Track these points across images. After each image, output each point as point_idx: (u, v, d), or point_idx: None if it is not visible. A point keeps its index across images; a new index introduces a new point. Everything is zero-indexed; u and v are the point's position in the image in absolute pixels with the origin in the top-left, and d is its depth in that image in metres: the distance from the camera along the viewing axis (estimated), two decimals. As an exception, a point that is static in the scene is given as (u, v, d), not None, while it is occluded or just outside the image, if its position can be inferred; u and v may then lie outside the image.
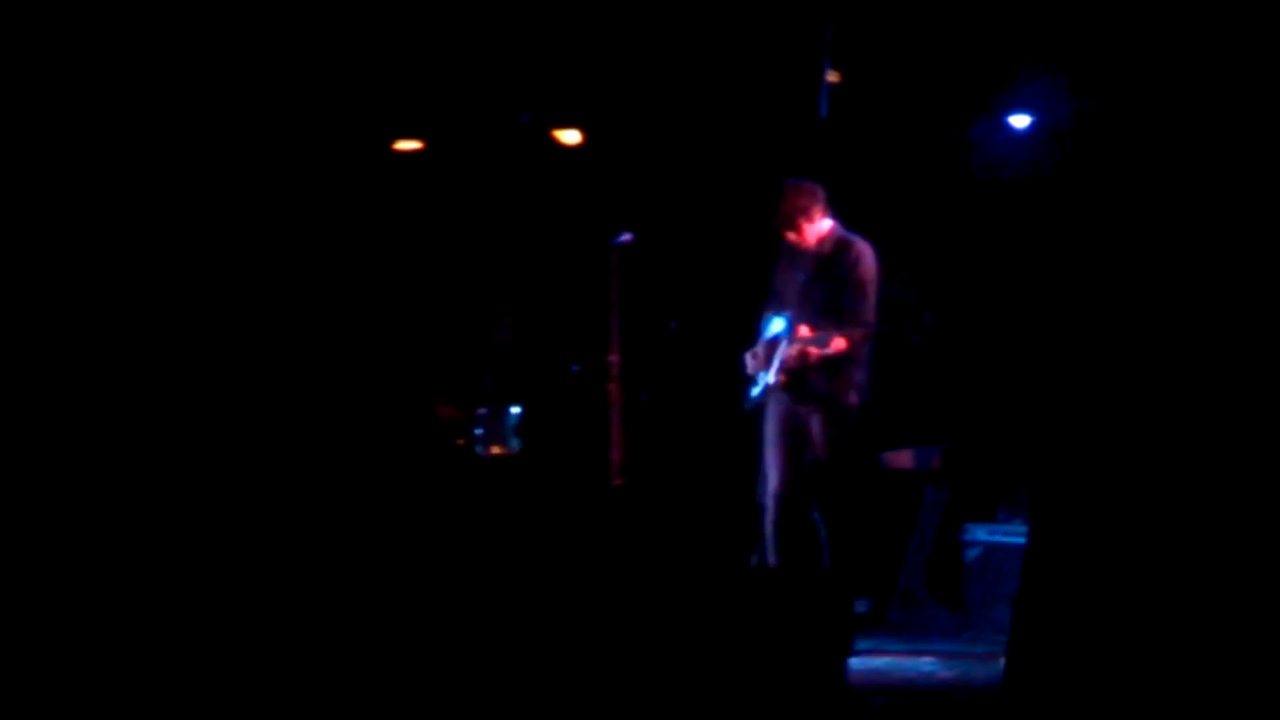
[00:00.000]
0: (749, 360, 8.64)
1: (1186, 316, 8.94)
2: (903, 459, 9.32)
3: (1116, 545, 5.92)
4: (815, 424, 8.46)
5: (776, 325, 8.57)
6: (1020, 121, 10.22)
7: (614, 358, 9.05)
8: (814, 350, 8.29)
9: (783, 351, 8.39)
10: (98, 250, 9.13)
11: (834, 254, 8.55)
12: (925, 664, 8.06)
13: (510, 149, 10.79)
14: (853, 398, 8.47)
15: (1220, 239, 9.17)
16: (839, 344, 8.31)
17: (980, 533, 9.22)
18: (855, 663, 7.25)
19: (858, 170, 10.50)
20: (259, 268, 9.94)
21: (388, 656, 6.21)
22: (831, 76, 10.30)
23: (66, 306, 8.74)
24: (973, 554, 9.16)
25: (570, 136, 10.69)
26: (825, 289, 8.50)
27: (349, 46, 10.12)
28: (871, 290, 8.50)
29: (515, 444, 9.97)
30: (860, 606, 9.02)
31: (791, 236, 8.61)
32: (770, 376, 8.46)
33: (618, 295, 9.08)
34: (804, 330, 8.34)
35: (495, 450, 9.99)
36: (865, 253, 8.56)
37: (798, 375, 8.41)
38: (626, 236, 9.23)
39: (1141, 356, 9.12)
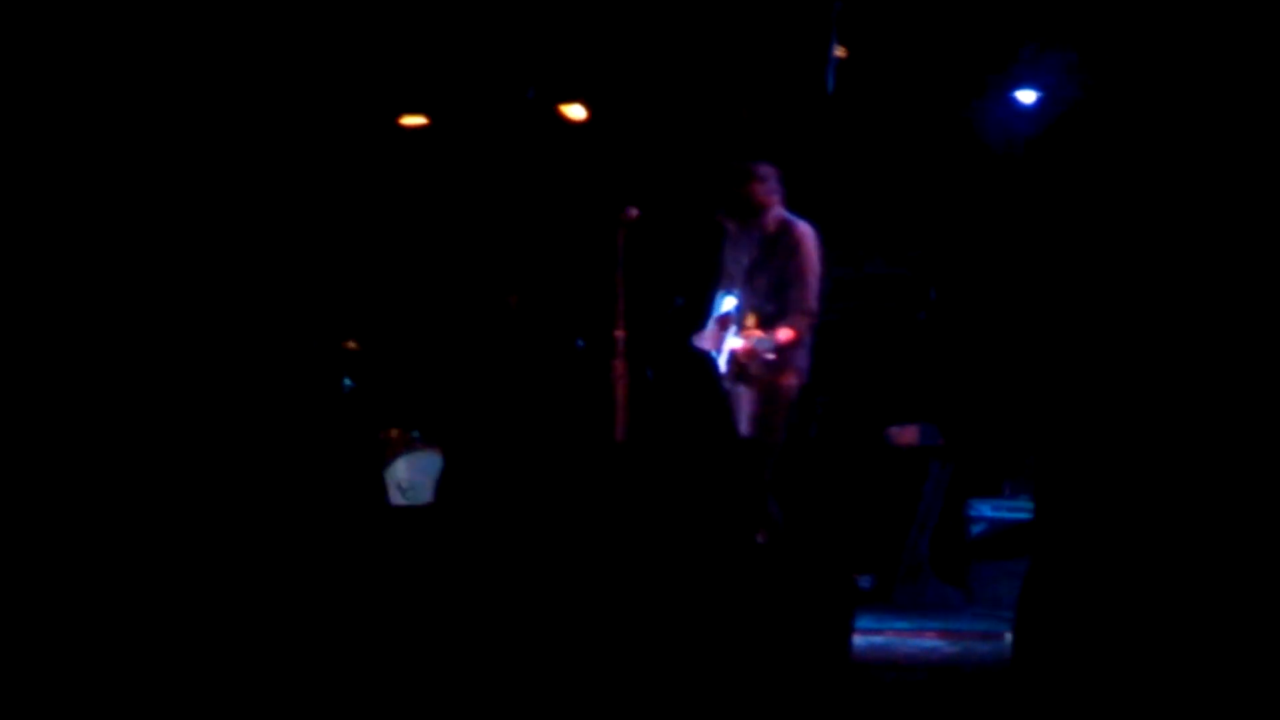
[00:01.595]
0: (703, 340, 8.72)
1: (1189, 295, 8.93)
2: (908, 435, 9.33)
3: (1123, 525, 5.92)
4: (746, 402, 8.54)
5: (727, 303, 8.66)
6: (1027, 97, 10.20)
7: (619, 333, 9.05)
8: (762, 351, 8.36)
9: (731, 339, 8.49)
10: (93, 220, 9.14)
11: (776, 237, 8.59)
12: (928, 640, 8.07)
13: (515, 124, 10.78)
14: (790, 379, 8.52)
15: (1224, 218, 9.16)
16: (784, 337, 8.37)
17: (985, 509, 9.22)
18: (859, 639, 7.26)
19: (864, 146, 10.50)
20: (263, 243, 9.94)
21: (395, 608, 6.22)
22: (838, 51, 10.29)
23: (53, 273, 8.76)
24: (977, 530, 9.16)
25: (576, 112, 10.68)
26: (769, 273, 8.55)
27: (354, 22, 10.11)
28: (812, 276, 8.52)
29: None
30: (864, 582, 9.04)
31: (743, 222, 8.65)
32: (721, 363, 8.57)
33: (623, 271, 9.07)
34: (751, 323, 8.40)
35: None
36: (806, 237, 8.58)
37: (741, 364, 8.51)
38: (632, 211, 9.22)
39: (1146, 337, 9.11)
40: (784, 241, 8.57)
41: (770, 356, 8.36)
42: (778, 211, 8.68)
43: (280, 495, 7.87)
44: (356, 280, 10.45)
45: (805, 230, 8.60)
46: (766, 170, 8.71)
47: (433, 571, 6.41)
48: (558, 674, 5.93)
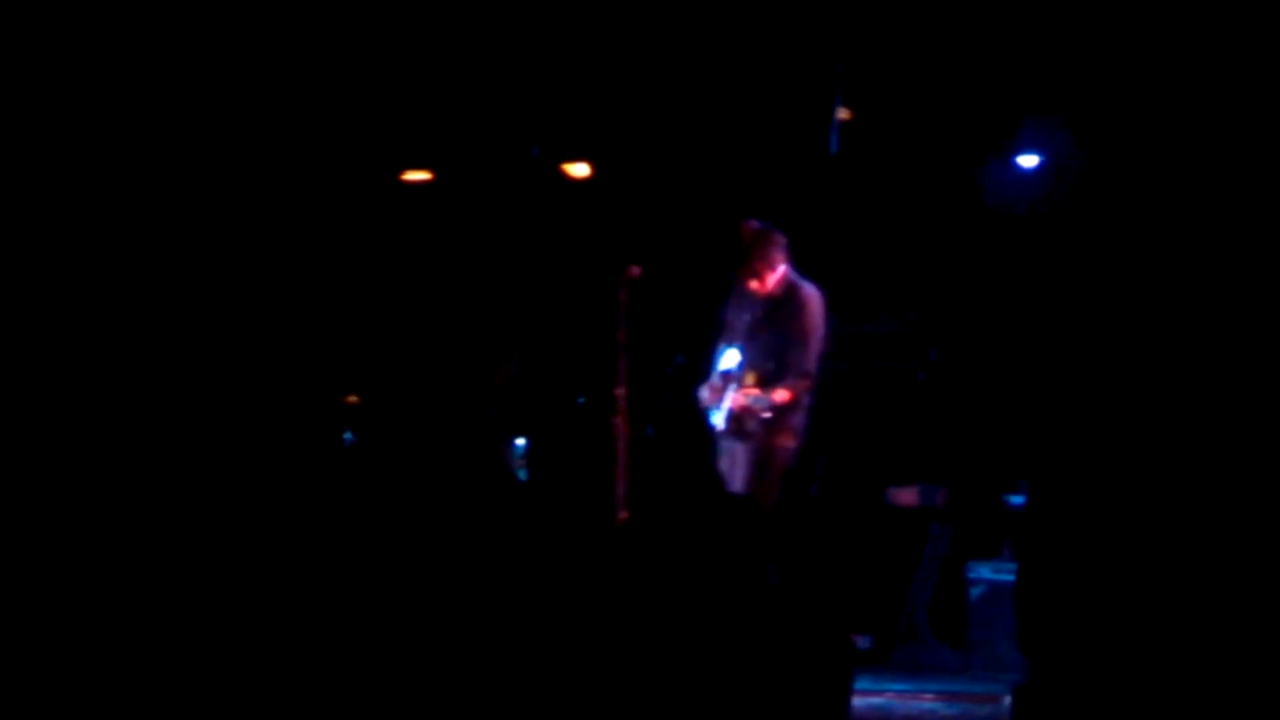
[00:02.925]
0: (704, 394, 8.74)
1: (1180, 356, 8.96)
2: (907, 496, 9.32)
3: (1108, 569, 5.94)
4: (742, 461, 8.56)
5: (730, 358, 8.69)
6: (1028, 161, 10.24)
7: (620, 391, 9.05)
8: (758, 410, 8.38)
9: (730, 398, 8.52)
10: (92, 263, 9.16)
11: (781, 299, 8.65)
12: (926, 702, 8.05)
13: (519, 182, 10.80)
14: (786, 441, 8.55)
15: (1213, 280, 9.20)
16: (781, 398, 8.43)
17: (984, 571, 9.20)
18: (857, 700, 7.23)
19: (867, 207, 10.52)
20: (267, 296, 9.95)
21: (385, 687, 6.21)
22: (842, 113, 10.33)
23: (66, 338, 8.78)
24: (976, 592, 9.14)
25: (579, 170, 10.71)
26: (771, 333, 8.61)
27: (359, 78, 10.15)
28: (814, 340, 8.59)
29: (520, 475, 9.98)
30: (862, 643, 9.01)
31: (753, 285, 8.67)
32: (719, 419, 8.59)
33: (625, 329, 9.08)
34: (750, 381, 8.44)
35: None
36: (810, 300, 8.65)
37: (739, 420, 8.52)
38: (634, 270, 9.23)
39: (1135, 390, 9.14)
40: (789, 303, 8.61)
41: (766, 415, 8.40)
42: (784, 271, 8.70)
43: (282, 523, 7.88)
44: (359, 335, 10.46)
45: (811, 293, 8.65)
46: (775, 234, 8.78)
47: (428, 621, 6.40)
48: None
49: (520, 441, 10.23)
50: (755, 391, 8.42)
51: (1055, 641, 5.88)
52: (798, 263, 9.16)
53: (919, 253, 10.41)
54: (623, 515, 8.92)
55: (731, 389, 8.56)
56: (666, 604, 6.40)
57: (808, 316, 8.57)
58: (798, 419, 8.59)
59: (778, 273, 8.70)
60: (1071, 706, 5.67)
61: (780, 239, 8.77)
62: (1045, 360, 9.71)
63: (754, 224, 8.77)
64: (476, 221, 10.90)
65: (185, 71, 9.51)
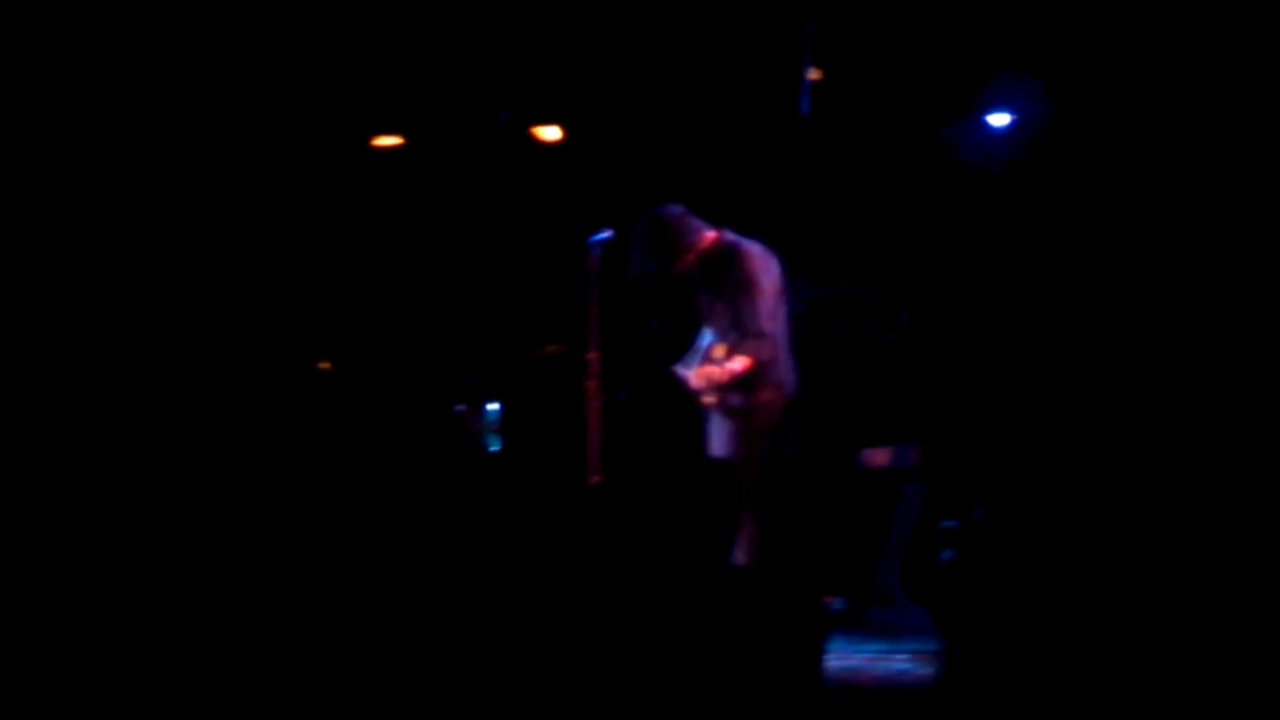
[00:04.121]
0: (680, 372, 8.68)
1: (1153, 320, 8.99)
2: (880, 457, 9.32)
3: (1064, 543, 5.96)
4: (728, 427, 8.48)
5: (705, 337, 8.65)
6: (999, 120, 10.23)
7: (593, 355, 9.04)
8: (717, 373, 8.34)
9: (697, 367, 8.49)
10: (63, 242, 9.13)
11: (720, 264, 8.49)
12: (901, 663, 8.06)
13: (490, 145, 10.78)
14: (767, 395, 8.45)
15: (1185, 243, 9.23)
16: (738, 366, 8.35)
17: (958, 531, 9.21)
18: (831, 661, 7.25)
19: (838, 168, 10.52)
20: (237, 264, 9.94)
21: (364, 654, 6.21)
22: (813, 74, 10.32)
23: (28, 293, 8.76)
24: (949, 554, 9.15)
25: (550, 133, 10.68)
26: (723, 302, 8.47)
27: (329, 42, 10.12)
28: (760, 296, 8.40)
29: (492, 441, 9.96)
30: (836, 605, 9.03)
31: (682, 267, 8.56)
32: (694, 382, 8.55)
33: (597, 292, 9.06)
34: (718, 354, 8.40)
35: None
36: (748, 258, 8.47)
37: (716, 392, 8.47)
38: (607, 233, 9.20)
39: (1105, 354, 9.16)
40: (725, 265, 8.45)
41: (721, 375, 8.34)
42: (714, 238, 8.54)
43: (259, 492, 7.86)
44: (330, 300, 10.44)
45: (748, 251, 8.49)
46: (671, 212, 8.54)
47: (410, 591, 6.40)
48: (533, 695, 5.92)
49: (493, 406, 10.22)
50: (710, 369, 8.38)
51: (977, 613, 5.89)
52: (772, 225, 9.15)
53: (891, 213, 10.40)
54: (596, 479, 8.92)
55: (701, 360, 8.52)
56: (639, 568, 6.41)
57: (747, 274, 8.37)
58: (776, 373, 8.50)
59: (703, 243, 8.52)
60: (995, 676, 5.69)
61: (679, 213, 8.53)
62: (1009, 326, 9.74)
63: (662, 217, 8.54)
64: (448, 186, 10.88)
65: (150, 42, 9.48)
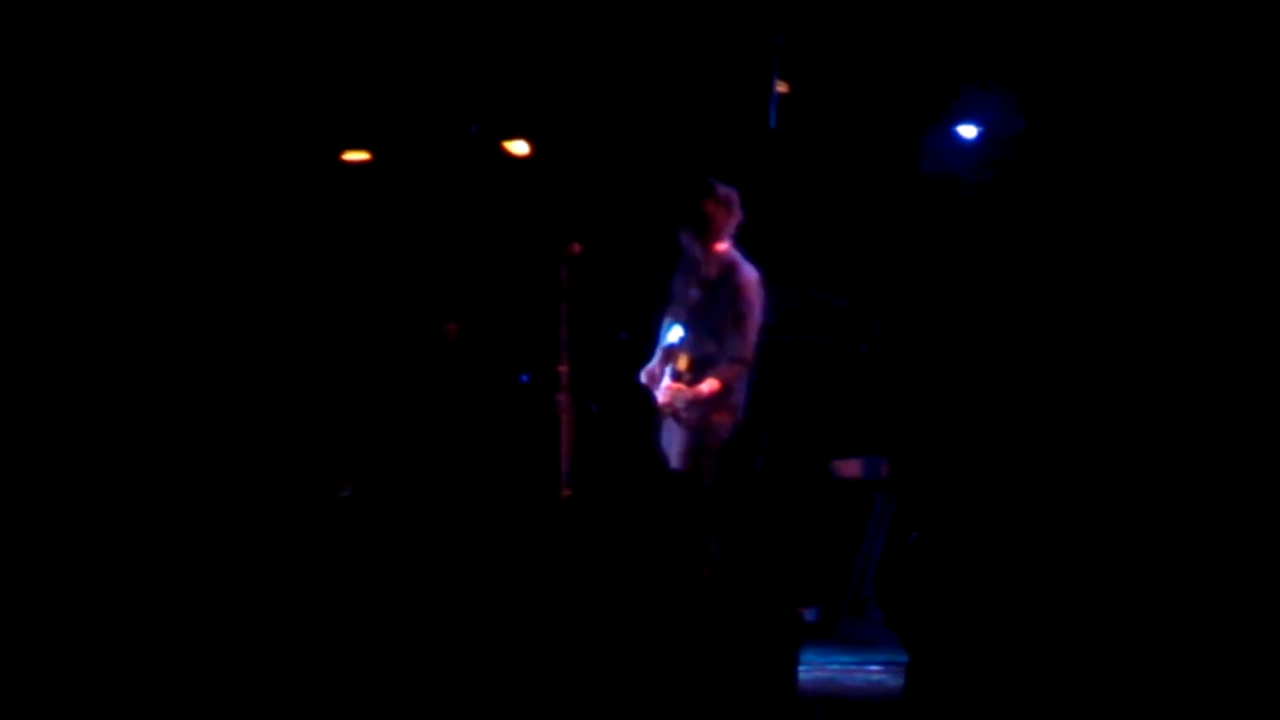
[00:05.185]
0: (644, 377, 8.66)
1: (1123, 329, 9.01)
2: (851, 468, 9.33)
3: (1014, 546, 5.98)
4: (678, 438, 8.50)
5: (674, 333, 8.64)
6: (968, 132, 10.25)
7: (563, 368, 9.04)
8: (679, 408, 8.36)
9: (665, 381, 8.48)
10: (38, 255, 9.10)
11: (721, 279, 8.53)
12: (873, 673, 8.06)
13: (459, 159, 10.76)
14: (722, 418, 8.51)
15: (1155, 254, 9.26)
16: (708, 389, 8.40)
17: (929, 542, 9.21)
18: (803, 672, 7.25)
19: (807, 180, 10.53)
20: (209, 277, 9.91)
21: (338, 667, 6.19)
22: (780, 87, 10.33)
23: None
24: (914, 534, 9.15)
25: (519, 147, 10.67)
26: (711, 316, 8.51)
27: (299, 58, 10.10)
28: (751, 325, 8.48)
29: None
30: (808, 615, 9.03)
31: (696, 248, 8.57)
32: (660, 398, 8.54)
33: (567, 306, 9.06)
34: (683, 366, 8.41)
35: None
36: (748, 283, 8.53)
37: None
38: (575, 246, 9.20)
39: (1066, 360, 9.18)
40: (727, 286, 8.49)
41: (684, 415, 8.38)
42: (726, 250, 8.60)
43: (233, 500, 7.84)
44: (299, 315, 10.41)
45: (749, 277, 8.55)
46: (727, 192, 8.61)
47: (383, 604, 6.38)
48: (507, 706, 5.91)
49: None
50: (680, 387, 8.39)
51: (935, 621, 5.90)
52: (740, 239, 9.16)
53: (860, 225, 10.42)
54: (566, 492, 8.92)
55: (667, 373, 8.52)
56: (610, 580, 6.41)
57: (744, 301, 8.45)
58: (736, 397, 8.55)
59: (722, 248, 8.59)
60: (958, 684, 5.70)
61: (729, 196, 8.60)
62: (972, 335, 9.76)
63: (723, 190, 8.60)
64: (417, 201, 10.87)
65: (123, 53, 9.46)
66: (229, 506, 8.22)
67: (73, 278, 9.40)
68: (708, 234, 8.56)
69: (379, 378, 10.53)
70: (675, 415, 8.53)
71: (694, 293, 8.61)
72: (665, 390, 8.45)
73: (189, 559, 6.69)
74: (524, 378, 10.29)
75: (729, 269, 8.55)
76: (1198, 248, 9.13)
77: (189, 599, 6.37)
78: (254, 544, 7.00)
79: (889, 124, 10.40)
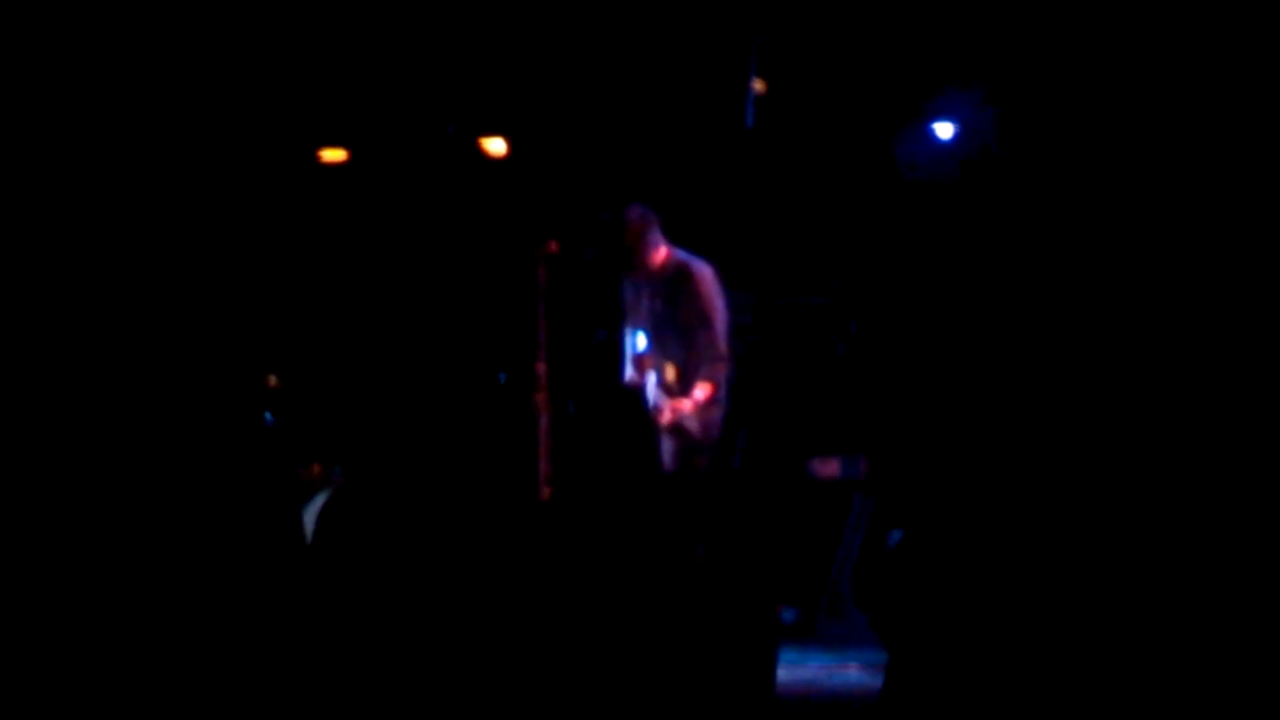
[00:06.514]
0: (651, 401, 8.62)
1: (1101, 327, 9.03)
2: (830, 467, 9.34)
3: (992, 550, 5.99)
4: (672, 442, 8.45)
5: (640, 341, 8.60)
6: (945, 130, 10.26)
7: (541, 367, 9.02)
8: (688, 407, 8.33)
9: (660, 399, 8.42)
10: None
11: (673, 281, 8.49)
12: (852, 674, 8.08)
13: (436, 158, 10.75)
14: (717, 412, 8.50)
15: (1133, 254, 9.28)
16: (703, 395, 8.38)
17: (908, 541, 9.21)
18: (782, 673, 7.25)
19: (784, 179, 10.54)
20: (186, 276, 9.89)
21: (319, 672, 6.18)
22: (758, 86, 10.33)
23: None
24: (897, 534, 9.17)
25: (496, 146, 10.66)
26: (675, 321, 8.46)
27: (275, 56, 10.09)
28: (718, 318, 8.45)
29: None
30: (787, 616, 9.04)
31: (638, 273, 8.55)
32: (664, 420, 8.46)
33: (545, 305, 9.06)
34: (671, 376, 8.37)
35: None
36: (703, 279, 8.48)
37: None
38: (553, 245, 9.19)
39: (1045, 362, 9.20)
40: (684, 289, 8.44)
41: (690, 427, 8.36)
42: (668, 253, 8.55)
43: (198, 527, 7.80)
44: (277, 315, 10.40)
45: (702, 272, 8.51)
46: (634, 215, 8.54)
47: (363, 605, 6.37)
48: (484, 708, 5.90)
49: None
50: (680, 405, 8.35)
51: (916, 620, 5.90)
52: (718, 238, 9.17)
53: (837, 224, 10.43)
54: (545, 492, 8.91)
55: (652, 385, 8.46)
56: (590, 581, 6.40)
57: (705, 298, 8.40)
58: (721, 392, 8.54)
59: (662, 255, 8.53)
60: (937, 685, 5.71)
61: (655, 220, 8.54)
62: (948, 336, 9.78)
63: (630, 215, 8.53)
64: (394, 200, 10.85)
65: (98, 52, 9.44)
66: (200, 511, 8.20)
67: (40, 279, 9.37)
68: (639, 258, 8.51)
69: (358, 377, 10.53)
70: (682, 430, 8.46)
71: (649, 303, 8.55)
72: (668, 412, 8.39)
73: (162, 566, 6.67)
74: (501, 377, 10.29)
75: (680, 271, 8.50)
76: (1173, 247, 9.15)
77: (164, 606, 6.35)
78: (228, 550, 6.98)
79: (866, 123, 10.41)
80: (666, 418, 8.38)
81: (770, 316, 9.97)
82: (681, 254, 8.55)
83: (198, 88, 9.90)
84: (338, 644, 6.19)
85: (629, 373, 8.67)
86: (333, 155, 10.65)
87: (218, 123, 10.06)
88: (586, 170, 10.65)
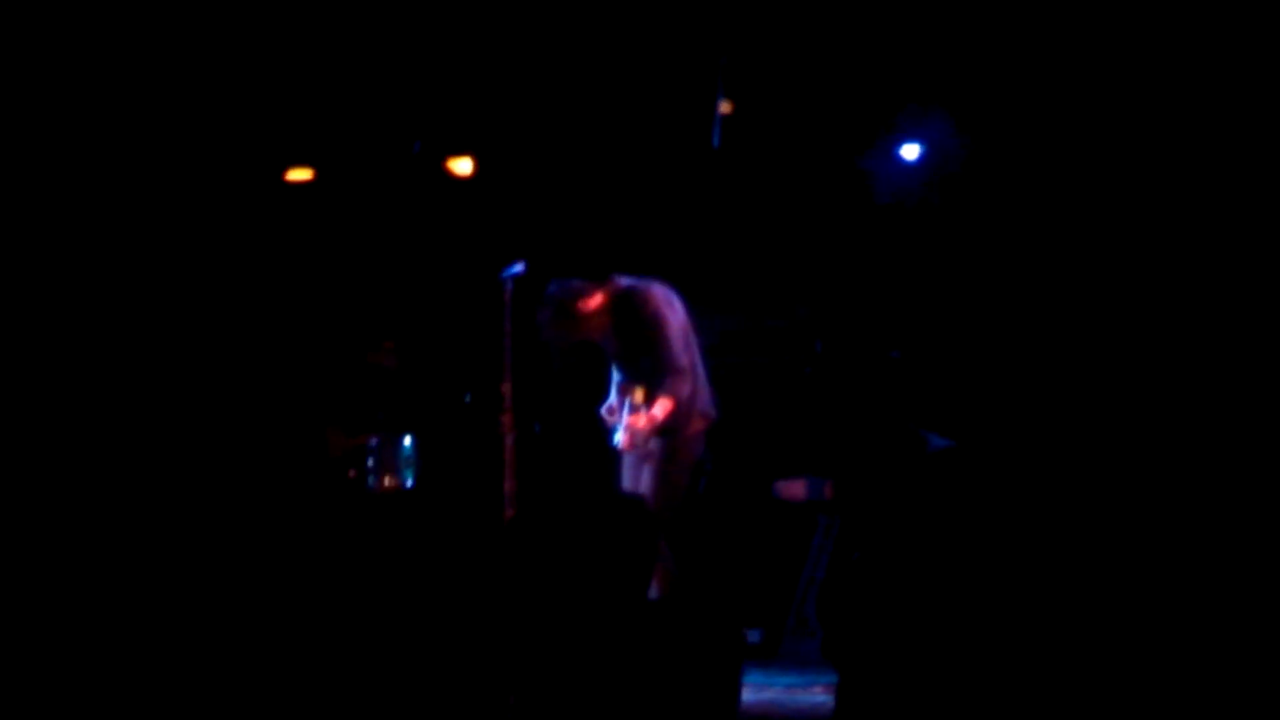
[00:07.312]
0: (605, 413, 8.58)
1: (1066, 345, 9.05)
2: (795, 489, 9.34)
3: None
4: (651, 463, 8.40)
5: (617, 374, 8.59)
6: (911, 152, 10.28)
7: (506, 388, 9.01)
8: (643, 425, 8.27)
9: (624, 419, 8.37)
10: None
11: (621, 313, 8.42)
12: (816, 695, 8.07)
13: (402, 179, 10.75)
14: (695, 427, 8.43)
15: (1099, 273, 9.31)
16: (661, 412, 8.27)
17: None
18: (747, 694, 7.26)
19: (750, 200, 10.56)
20: (148, 295, 9.87)
21: (277, 693, 6.17)
22: (724, 107, 10.34)
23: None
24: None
25: (463, 166, 10.65)
26: (628, 349, 8.42)
27: (241, 75, 10.08)
28: (664, 333, 8.34)
29: (408, 476, 9.89)
30: (752, 637, 9.04)
31: (588, 331, 8.49)
32: (620, 437, 8.41)
33: (510, 326, 9.04)
34: (639, 398, 8.31)
35: (387, 482, 9.92)
36: (645, 300, 8.41)
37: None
38: (519, 267, 9.18)
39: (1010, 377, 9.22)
40: (627, 314, 8.39)
41: (647, 428, 8.30)
42: (610, 291, 8.50)
43: (166, 528, 7.80)
44: (242, 334, 10.37)
45: (647, 292, 8.44)
46: (573, 294, 8.49)
47: (323, 628, 6.37)
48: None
49: (407, 440, 10.17)
50: (635, 422, 8.29)
51: (866, 643, 5.92)
52: (682, 256, 9.17)
53: (804, 245, 10.44)
54: (510, 513, 8.90)
55: (626, 409, 8.41)
56: (555, 601, 6.39)
57: (647, 318, 8.33)
58: (698, 404, 8.45)
59: (596, 303, 8.46)
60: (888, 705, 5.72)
61: (588, 287, 8.49)
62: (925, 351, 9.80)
63: (572, 296, 8.46)
64: (360, 220, 10.85)
65: (66, 69, 9.43)
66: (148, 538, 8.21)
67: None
68: (592, 322, 8.51)
69: (321, 396, 10.51)
70: (641, 448, 8.40)
71: (607, 341, 8.51)
72: (624, 431, 8.33)
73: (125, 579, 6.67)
74: (466, 397, 10.27)
75: (622, 299, 8.43)
76: (1146, 268, 9.19)
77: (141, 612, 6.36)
78: (177, 577, 6.98)
79: (832, 144, 10.43)
80: (624, 439, 8.32)
81: (736, 337, 9.98)
82: (627, 282, 8.50)
83: (164, 107, 9.89)
84: (290, 663, 6.19)
85: (612, 399, 8.59)
86: (298, 175, 10.64)
87: (184, 143, 10.05)
88: (552, 191, 10.66)
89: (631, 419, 8.28)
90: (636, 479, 8.45)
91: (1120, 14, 9.31)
